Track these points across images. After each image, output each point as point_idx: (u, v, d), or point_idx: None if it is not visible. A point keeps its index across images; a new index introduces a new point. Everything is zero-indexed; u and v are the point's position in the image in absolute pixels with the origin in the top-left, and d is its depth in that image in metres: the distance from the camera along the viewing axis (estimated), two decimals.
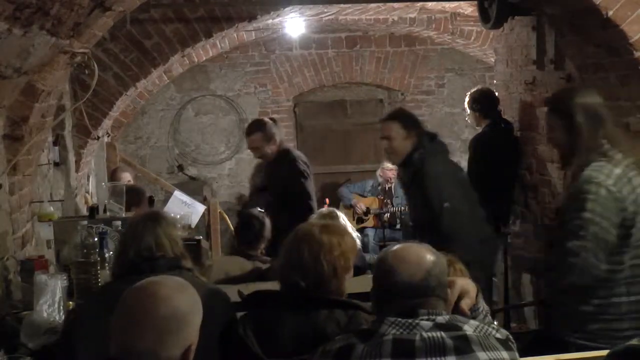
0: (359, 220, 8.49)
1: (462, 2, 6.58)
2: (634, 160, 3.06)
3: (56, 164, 4.70)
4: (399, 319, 2.06)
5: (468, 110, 5.87)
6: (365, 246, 7.68)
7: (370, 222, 8.55)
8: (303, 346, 2.31)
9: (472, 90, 5.97)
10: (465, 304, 2.24)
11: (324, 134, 9.81)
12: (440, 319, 2.07)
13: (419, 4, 7.09)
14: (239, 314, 2.60)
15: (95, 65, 3.82)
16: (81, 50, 3.49)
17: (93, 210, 3.94)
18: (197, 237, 4.26)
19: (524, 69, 5.50)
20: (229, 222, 6.97)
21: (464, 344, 2.02)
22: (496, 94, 5.94)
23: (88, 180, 6.34)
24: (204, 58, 7.93)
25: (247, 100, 9.44)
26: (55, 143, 4.65)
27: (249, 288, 2.98)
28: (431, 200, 4.13)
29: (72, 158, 5.45)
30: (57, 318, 3.02)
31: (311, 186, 5.31)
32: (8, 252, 3.46)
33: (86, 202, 5.83)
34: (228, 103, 9.43)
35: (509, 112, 5.81)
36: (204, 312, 1.89)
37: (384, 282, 2.13)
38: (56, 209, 4.24)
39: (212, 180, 9.45)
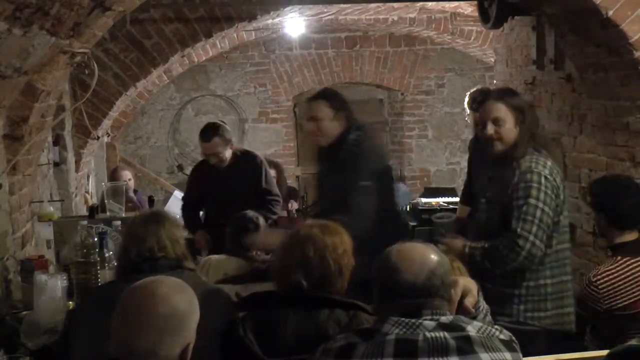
0: None
1: (462, 2, 6.58)
2: (554, 156, 3.43)
3: (56, 164, 4.70)
4: (402, 319, 2.05)
5: (468, 110, 5.86)
6: None
7: None
8: (304, 346, 2.31)
9: (472, 90, 5.96)
10: (469, 302, 2.24)
11: None
12: (444, 319, 2.06)
13: (419, 4, 7.10)
14: (241, 314, 2.60)
15: (95, 65, 3.82)
16: (81, 50, 3.48)
17: (93, 210, 3.94)
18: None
19: (524, 69, 5.50)
20: None
21: (466, 345, 2.01)
22: None
23: (88, 180, 6.35)
24: (204, 58, 7.93)
25: (247, 100, 9.45)
26: (55, 143, 4.66)
27: (248, 289, 2.99)
28: (354, 180, 3.75)
29: (72, 158, 5.45)
30: (57, 318, 3.02)
31: None
32: (8, 252, 3.45)
33: (86, 202, 5.83)
34: (228, 103, 9.43)
35: None
36: (206, 311, 1.89)
37: (387, 281, 2.12)
38: (56, 209, 4.24)
39: None
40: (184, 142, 9.37)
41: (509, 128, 3.26)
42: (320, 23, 7.97)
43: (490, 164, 3.45)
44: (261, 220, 4.33)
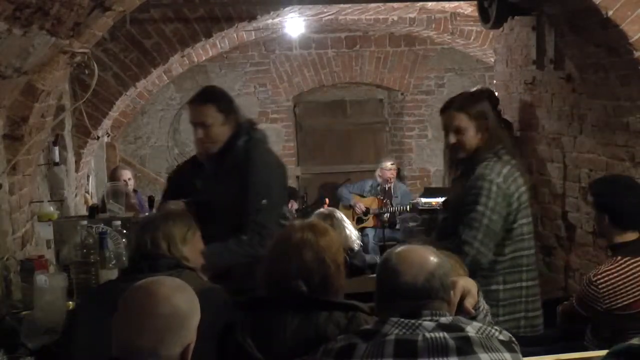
0: (358, 220, 8.49)
1: (462, 2, 6.58)
2: (517, 162, 3.43)
3: (56, 164, 4.70)
4: (402, 319, 2.05)
5: None
6: (365, 246, 7.68)
7: (369, 222, 8.55)
8: (303, 349, 2.31)
9: (472, 90, 5.97)
10: (469, 303, 2.24)
11: (324, 134, 9.82)
12: (444, 319, 2.07)
13: (419, 4, 7.10)
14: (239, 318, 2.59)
15: (95, 65, 3.82)
16: (81, 50, 3.49)
17: (93, 210, 3.93)
18: None
19: (524, 69, 5.50)
20: None
21: (466, 345, 2.02)
22: (496, 94, 5.94)
23: (88, 180, 6.34)
24: (204, 58, 7.94)
25: (247, 100, 9.43)
26: (55, 143, 4.65)
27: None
28: (250, 194, 3.48)
29: (72, 158, 5.45)
30: (57, 318, 3.02)
31: None
32: (8, 252, 3.46)
33: (86, 202, 5.83)
34: None
35: (509, 112, 5.81)
36: (206, 311, 1.90)
37: (387, 283, 2.13)
38: (56, 209, 4.24)
39: None
40: (184, 142, 9.36)
41: (471, 136, 3.35)
42: (320, 23, 7.97)
43: (457, 169, 3.53)
44: None
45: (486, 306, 2.37)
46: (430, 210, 6.84)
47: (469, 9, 6.84)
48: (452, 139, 3.39)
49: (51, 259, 3.75)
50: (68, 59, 3.46)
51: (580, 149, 4.79)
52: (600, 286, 3.25)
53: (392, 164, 8.56)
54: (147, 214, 4.65)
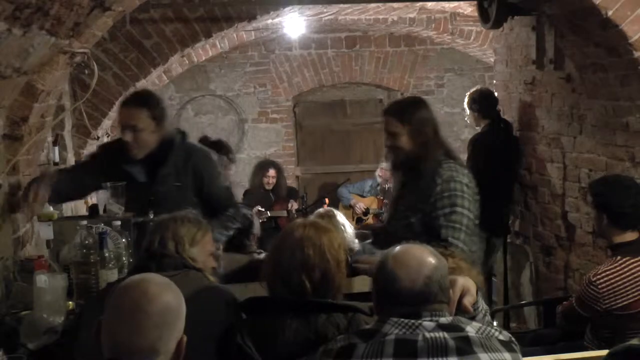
0: (358, 220, 8.49)
1: (461, 2, 6.58)
2: (460, 162, 3.50)
3: (56, 164, 4.70)
4: (402, 320, 2.05)
5: (467, 110, 5.88)
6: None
7: (369, 222, 8.55)
8: (303, 351, 2.32)
9: (472, 90, 5.98)
10: (468, 301, 2.24)
11: (324, 134, 9.82)
12: (443, 320, 2.07)
13: (419, 4, 7.10)
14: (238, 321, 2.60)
15: (95, 65, 3.81)
16: (81, 50, 3.49)
17: (93, 210, 3.93)
18: None
19: (524, 69, 5.51)
20: None
21: (465, 345, 2.02)
22: (495, 94, 5.94)
23: None
24: (204, 58, 7.93)
25: (247, 100, 9.45)
26: (55, 143, 4.65)
27: (248, 288, 2.98)
28: (216, 183, 3.69)
29: (72, 158, 5.45)
30: (57, 318, 3.02)
31: None
32: (8, 252, 3.45)
33: (86, 202, 5.82)
34: (227, 103, 9.43)
35: (509, 112, 5.82)
36: (207, 311, 1.90)
37: (385, 288, 2.12)
38: (56, 209, 4.23)
39: None
40: None
41: (405, 140, 3.38)
42: (320, 23, 7.97)
43: (401, 173, 3.55)
44: (255, 219, 4.40)
45: (485, 306, 2.36)
46: None
47: (469, 9, 6.84)
48: (387, 142, 3.47)
49: (51, 259, 3.75)
50: (68, 59, 3.46)
51: (580, 149, 4.79)
52: (600, 286, 3.26)
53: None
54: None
